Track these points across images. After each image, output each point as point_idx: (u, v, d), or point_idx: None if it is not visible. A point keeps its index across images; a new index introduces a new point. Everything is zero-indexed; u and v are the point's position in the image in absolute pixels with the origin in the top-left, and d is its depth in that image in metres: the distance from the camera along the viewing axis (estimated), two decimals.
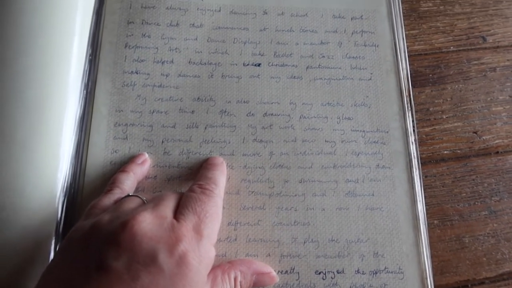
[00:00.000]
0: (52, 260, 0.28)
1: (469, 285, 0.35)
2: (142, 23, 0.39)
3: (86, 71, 0.37)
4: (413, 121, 0.38)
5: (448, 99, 0.40)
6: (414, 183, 0.36)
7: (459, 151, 0.39)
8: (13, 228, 0.32)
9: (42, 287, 0.25)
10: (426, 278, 0.34)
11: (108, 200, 0.31)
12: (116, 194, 0.32)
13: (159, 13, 0.40)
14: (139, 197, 0.30)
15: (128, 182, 0.33)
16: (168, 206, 0.28)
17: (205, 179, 0.32)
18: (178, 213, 0.28)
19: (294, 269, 0.34)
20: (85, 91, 0.37)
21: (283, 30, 0.40)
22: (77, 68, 0.37)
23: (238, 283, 0.30)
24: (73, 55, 0.36)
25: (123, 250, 0.25)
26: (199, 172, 0.34)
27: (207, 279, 0.28)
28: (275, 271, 0.33)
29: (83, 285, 0.24)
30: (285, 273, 0.33)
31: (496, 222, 0.37)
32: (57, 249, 0.28)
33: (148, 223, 0.26)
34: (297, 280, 0.33)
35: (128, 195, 0.31)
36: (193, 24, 0.40)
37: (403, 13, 0.42)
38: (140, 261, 0.24)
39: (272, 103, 0.38)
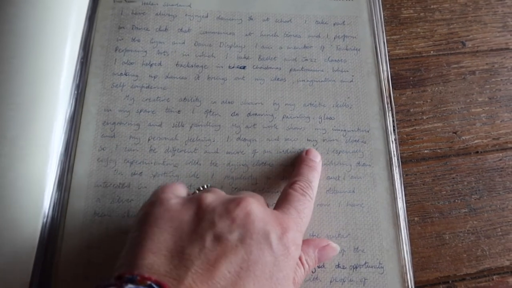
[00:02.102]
0: (139, 236, 0.26)
1: (450, 281, 0.36)
2: (132, 28, 0.41)
3: (78, 72, 0.39)
4: (393, 121, 0.39)
5: (428, 100, 0.42)
6: (394, 180, 0.37)
7: (439, 151, 0.40)
8: (1, 220, 0.32)
9: (142, 259, 0.24)
10: (406, 273, 0.34)
11: (179, 186, 0.31)
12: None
13: (148, 19, 0.41)
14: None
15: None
16: (261, 201, 0.30)
17: (306, 180, 0.34)
18: (281, 206, 0.31)
19: None
20: (76, 92, 0.38)
21: (267, 35, 0.42)
22: (68, 70, 0.38)
23: (305, 262, 0.31)
24: (65, 58, 0.38)
25: (237, 225, 0.26)
26: (298, 166, 0.36)
27: None
28: None
29: (199, 253, 0.25)
30: None
31: (476, 220, 0.37)
32: (137, 227, 0.27)
33: (256, 206, 0.28)
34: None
35: (208, 186, 0.33)
36: (181, 29, 0.41)
37: (384, 19, 0.44)
38: (253, 237, 0.26)
39: (256, 104, 0.39)
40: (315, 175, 0.35)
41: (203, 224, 0.26)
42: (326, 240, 0.33)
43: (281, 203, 0.31)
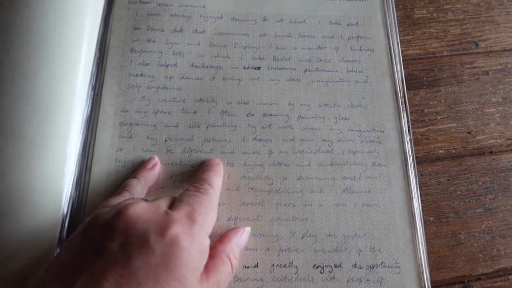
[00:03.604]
0: (58, 251, 0.29)
1: (466, 281, 0.36)
2: (148, 29, 0.41)
3: (94, 74, 0.39)
4: (408, 121, 0.39)
5: (442, 101, 0.42)
6: (410, 180, 0.37)
7: (453, 151, 0.40)
8: (21, 220, 0.33)
9: (46, 275, 0.26)
10: (422, 273, 0.35)
11: (116, 200, 0.32)
12: (125, 196, 0.33)
13: (163, 20, 0.42)
14: (144, 200, 0.32)
15: (138, 187, 0.34)
16: (163, 202, 0.30)
17: (200, 180, 0.33)
18: (173, 206, 0.29)
19: (292, 263, 0.34)
20: (92, 93, 0.39)
21: (282, 36, 0.42)
22: (85, 71, 0.38)
23: (233, 260, 0.31)
24: (82, 59, 0.38)
25: (118, 232, 0.26)
26: (195, 174, 0.36)
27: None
28: (273, 264, 0.34)
29: (82, 268, 0.25)
30: (283, 267, 0.34)
31: (491, 220, 0.38)
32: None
33: (142, 208, 0.27)
34: (295, 273, 0.34)
35: (134, 198, 0.33)
36: (196, 30, 0.42)
37: (397, 20, 0.44)
38: (134, 242, 0.25)
39: (271, 104, 0.39)
40: (209, 174, 0.34)
41: (90, 238, 0.26)
42: (240, 228, 0.34)
43: (174, 204, 0.30)
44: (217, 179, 0.35)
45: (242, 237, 0.34)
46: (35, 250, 0.33)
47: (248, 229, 0.35)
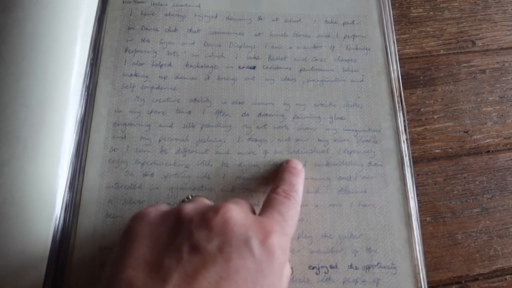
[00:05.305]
0: (119, 251, 0.26)
1: (463, 281, 0.35)
2: (142, 28, 0.41)
3: (88, 74, 0.39)
4: (404, 120, 0.39)
5: (439, 100, 0.41)
6: (406, 180, 0.37)
7: (450, 150, 0.40)
8: (13, 222, 0.32)
9: (126, 268, 0.25)
10: (419, 273, 0.34)
11: (163, 206, 0.30)
12: (164, 204, 0.31)
13: (158, 20, 0.41)
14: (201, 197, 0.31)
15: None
16: (245, 207, 0.30)
17: (289, 184, 0.33)
18: (264, 211, 0.30)
19: None
20: (86, 93, 0.38)
21: (277, 35, 0.42)
22: (79, 71, 0.38)
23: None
24: (75, 59, 0.38)
25: (215, 234, 0.26)
26: (281, 174, 0.35)
27: None
28: None
29: (176, 265, 0.24)
30: None
31: (489, 219, 0.37)
32: (120, 242, 0.27)
33: (237, 212, 0.27)
34: (291, 275, 0.34)
35: (192, 196, 0.32)
36: (190, 29, 0.41)
37: (394, 18, 0.44)
38: (232, 244, 0.25)
39: (266, 104, 0.39)
40: (298, 180, 0.34)
41: (181, 235, 0.26)
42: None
43: (265, 208, 0.31)
44: (302, 187, 0.35)
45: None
46: (28, 252, 0.32)
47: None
